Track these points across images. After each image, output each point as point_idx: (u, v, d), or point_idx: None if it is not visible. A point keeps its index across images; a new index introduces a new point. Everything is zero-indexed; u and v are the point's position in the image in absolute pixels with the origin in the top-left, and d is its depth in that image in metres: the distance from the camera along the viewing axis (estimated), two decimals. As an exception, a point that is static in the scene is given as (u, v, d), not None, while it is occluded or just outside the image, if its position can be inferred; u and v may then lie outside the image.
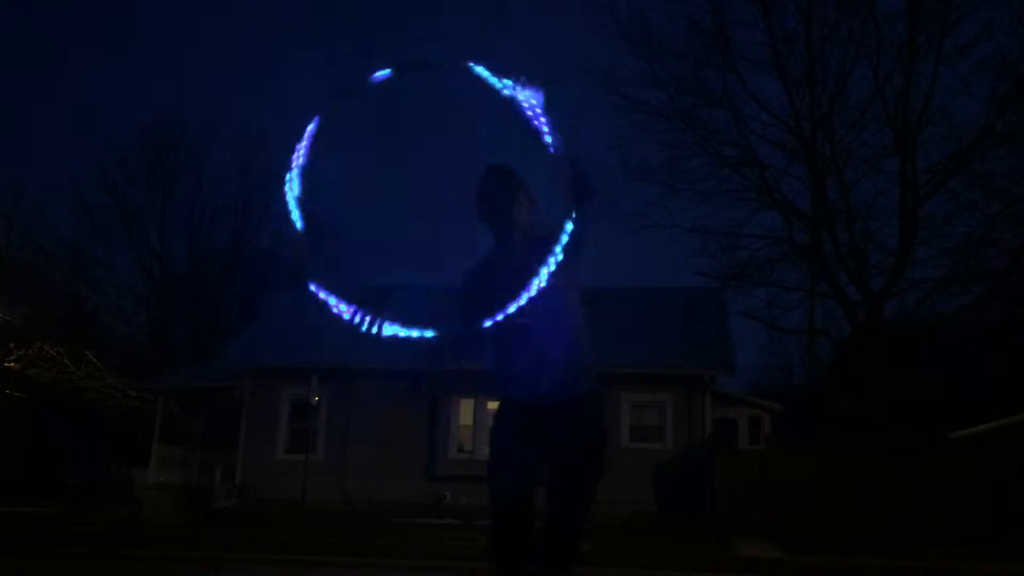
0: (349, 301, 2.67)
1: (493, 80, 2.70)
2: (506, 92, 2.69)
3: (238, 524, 14.17)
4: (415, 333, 2.67)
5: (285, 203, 2.71)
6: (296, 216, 2.73)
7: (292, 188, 2.74)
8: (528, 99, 2.67)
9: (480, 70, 2.71)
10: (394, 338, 2.64)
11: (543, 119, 2.66)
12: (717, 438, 17.27)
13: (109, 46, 72.44)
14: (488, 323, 2.65)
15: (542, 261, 2.63)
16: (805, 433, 25.07)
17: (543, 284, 2.61)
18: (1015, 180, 21.52)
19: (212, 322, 38.19)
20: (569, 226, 2.64)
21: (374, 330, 2.64)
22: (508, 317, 2.63)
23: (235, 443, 18.24)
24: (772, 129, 23.16)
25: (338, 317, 2.64)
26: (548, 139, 2.66)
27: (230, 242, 39.85)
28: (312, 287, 2.68)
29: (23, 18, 63.24)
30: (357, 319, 2.64)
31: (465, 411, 17.63)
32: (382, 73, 2.78)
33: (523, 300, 2.61)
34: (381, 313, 2.67)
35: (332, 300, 2.67)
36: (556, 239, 2.64)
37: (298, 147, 2.76)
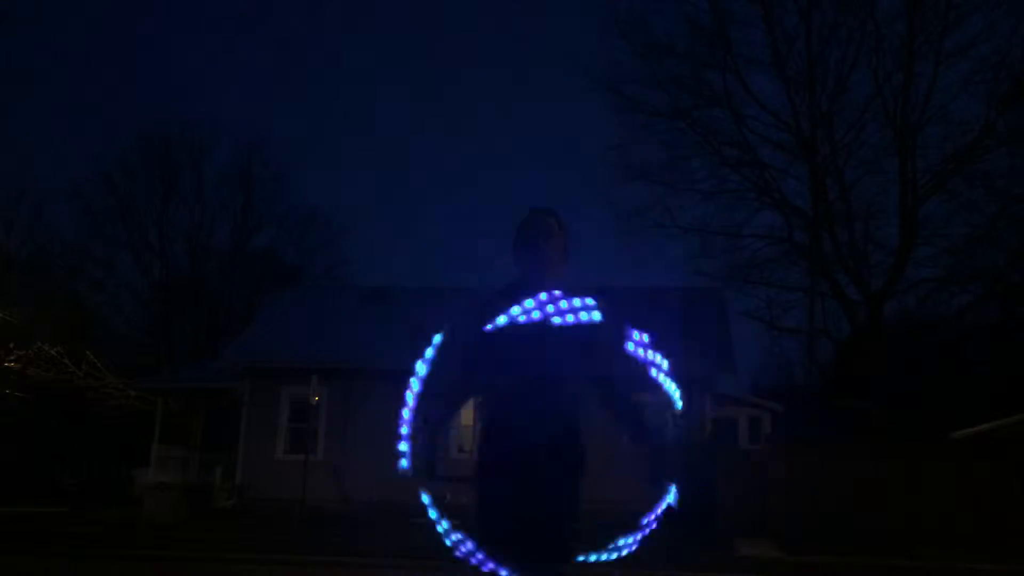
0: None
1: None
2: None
3: (238, 524, 14.17)
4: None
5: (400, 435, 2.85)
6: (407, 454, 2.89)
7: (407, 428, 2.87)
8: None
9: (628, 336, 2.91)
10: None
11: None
12: (717, 438, 17.25)
13: (110, 46, 72.50)
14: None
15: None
16: (805, 433, 25.06)
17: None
18: (1015, 180, 21.54)
19: (212, 322, 38.20)
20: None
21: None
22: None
23: (235, 443, 18.22)
24: (772, 129, 23.20)
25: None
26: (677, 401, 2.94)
27: (230, 242, 39.90)
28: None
29: (24, 18, 63.27)
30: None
31: (465, 411, 17.59)
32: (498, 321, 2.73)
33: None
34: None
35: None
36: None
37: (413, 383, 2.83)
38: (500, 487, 2.71)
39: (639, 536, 2.87)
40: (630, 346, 2.92)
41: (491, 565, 2.64)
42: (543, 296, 2.72)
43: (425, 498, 2.84)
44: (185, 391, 20.48)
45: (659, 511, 2.87)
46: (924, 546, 11.78)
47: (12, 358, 21.57)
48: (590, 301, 2.79)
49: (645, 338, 2.92)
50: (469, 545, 2.69)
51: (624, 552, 2.89)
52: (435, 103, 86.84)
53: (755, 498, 14.44)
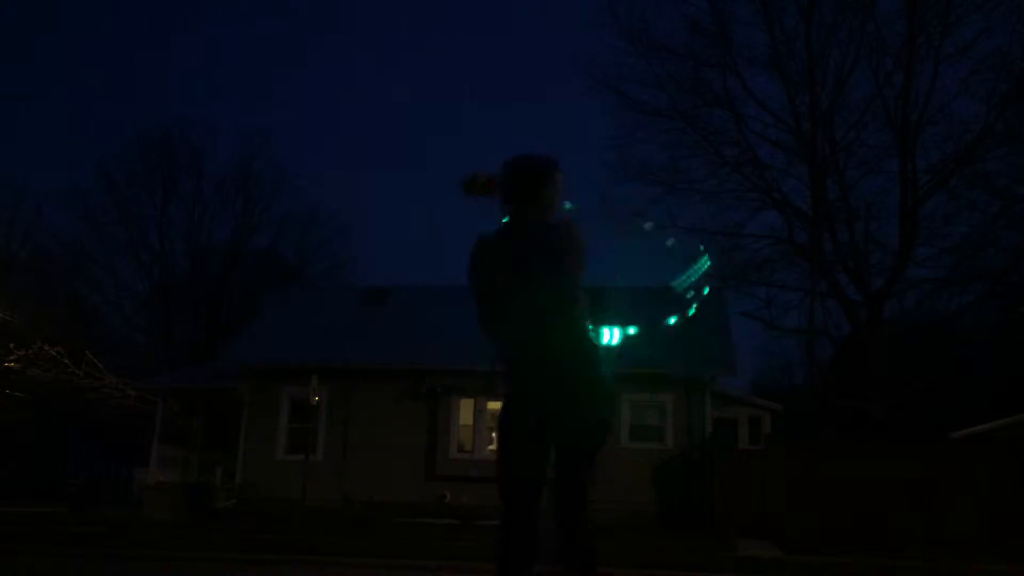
0: None
1: None
2: None
3: (238, 524, 14.17)
4: None
5: None
6: None
7: None
8: None
9: None
10: None
11: None
12: (717, 438, 17.26)
13: (110, 46, 72.48)
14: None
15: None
16: (805, 433, 25.04)
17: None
18: (1015, 180, 21.52)
19: (212, 322, 38.20)
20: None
21: None
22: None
23: (235, 443, 18.22)
24: (772, 129, 23.16)
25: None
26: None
27: (230, 242, 39.90)
28: None
29: (24, 17, 63.27)
30: None
31: (465, 411, 17.63)
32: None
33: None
34: None
35: None
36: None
37: None
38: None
39: None
40: None
41: None
42: None
43: None
44: (185, 391, 20.47)
45: None
46: (924, 546, 11.78)
47: (12, 358, 21.56)
48: None
49: None
50: None
51: None
52: (435, 102, 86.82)
53: (755, 498, 14.44)
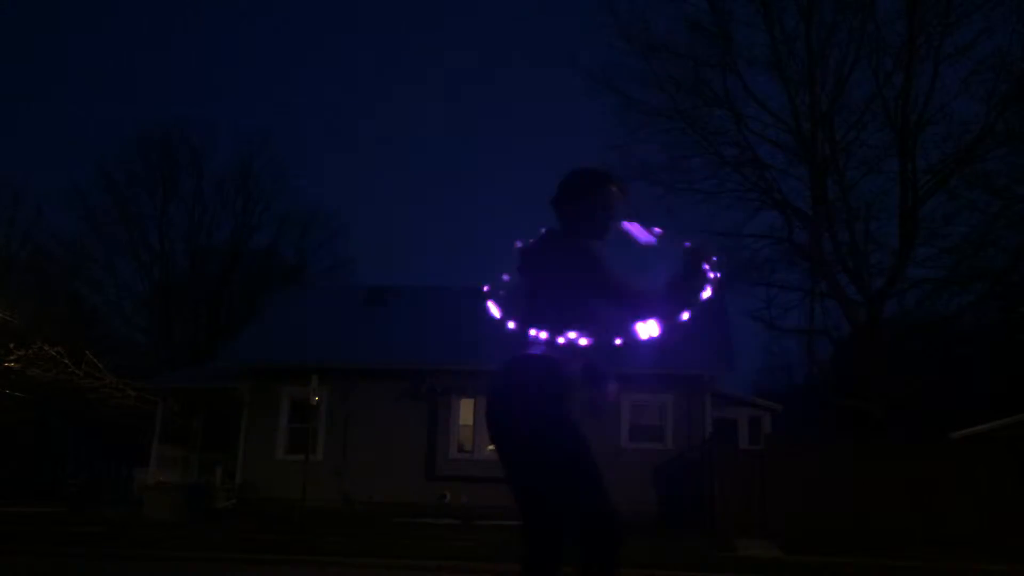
0: None
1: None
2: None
3: (238, 524, 14.17)
4: None
5: None
6: None
7: None
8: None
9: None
10: None
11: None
12: (717, 438, 17.25)
13: (110, 46, 72.48)
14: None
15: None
16: (805, 433, 25.05)
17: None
18: (1015, 180, 21.52)
19: (212, 322, 38.19)
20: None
21: None
22: None
23: (235, 443, 18.22)
24: (772, 129, 23.15)
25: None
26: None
27: (230, 242, 39.89)
28: None
29: (24, 17, 63.28)
30: None
31: (465, 411, 17.62)
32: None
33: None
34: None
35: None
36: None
37: None
38: None
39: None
40: None
41: None
42: None
43: None
44: (185, 391, 20.47)
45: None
46: (924, 546, 11.79)
47: (12, 358, 21.56)
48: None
49: None
50: None
51: None
52: (435, 103, 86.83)
53: (755, 498, 14.44)
